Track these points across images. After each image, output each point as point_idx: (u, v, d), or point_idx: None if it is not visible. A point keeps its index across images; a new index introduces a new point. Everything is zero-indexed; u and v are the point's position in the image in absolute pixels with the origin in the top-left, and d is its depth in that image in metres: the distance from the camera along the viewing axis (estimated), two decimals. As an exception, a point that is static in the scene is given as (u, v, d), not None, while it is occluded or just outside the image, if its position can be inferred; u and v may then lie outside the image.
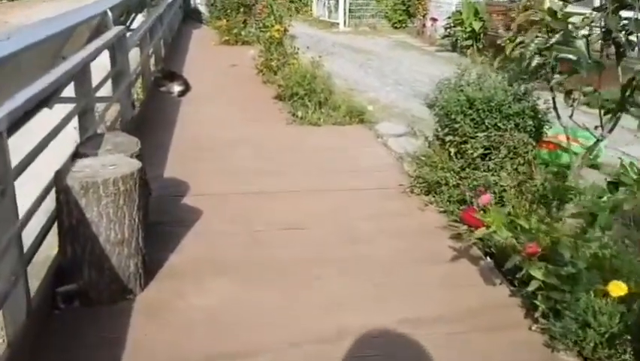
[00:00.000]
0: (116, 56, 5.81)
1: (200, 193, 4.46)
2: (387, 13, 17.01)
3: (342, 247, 3.73)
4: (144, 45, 7.55)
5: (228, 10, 12.63)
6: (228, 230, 3.92)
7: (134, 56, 7.73)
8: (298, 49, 8.93)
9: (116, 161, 3.17)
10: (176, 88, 7.83)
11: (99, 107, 5.03)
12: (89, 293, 3.00)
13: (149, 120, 6.40)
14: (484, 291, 3.28)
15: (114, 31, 5.50)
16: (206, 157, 5.31)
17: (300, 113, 6.61)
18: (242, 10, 12.28)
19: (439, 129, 4.48)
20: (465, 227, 3.80)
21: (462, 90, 4.24)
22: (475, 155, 4.04)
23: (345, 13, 17.11)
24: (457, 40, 12.39)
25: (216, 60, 10.34)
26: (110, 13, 5.57)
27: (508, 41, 3.89)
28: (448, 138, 4.28)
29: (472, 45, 11.76)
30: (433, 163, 4.34)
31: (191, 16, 15.57)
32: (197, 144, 5.63)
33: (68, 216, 2.93)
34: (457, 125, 4.17)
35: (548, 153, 4.91)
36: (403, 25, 16.74)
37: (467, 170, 4.10)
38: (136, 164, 3.14)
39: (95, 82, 5.00)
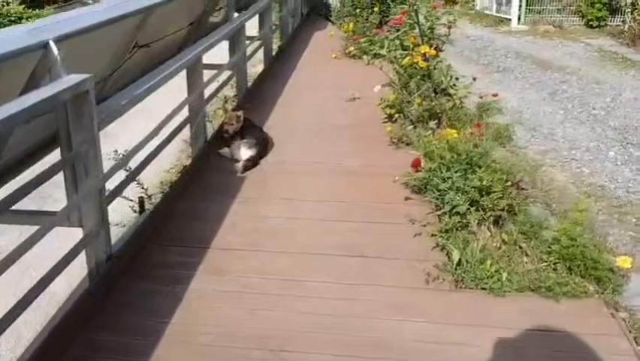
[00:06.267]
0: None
1: None
2: (579, 6, 12.57)
3: None
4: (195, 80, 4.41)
5: (358, 9, 9.05)
6: None
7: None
8: (457, 79, 5.36)
9: None
10: (244, 153, 4.58)
11: None
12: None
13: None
14: None
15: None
16: None
17: (459, 257, 3.05)
18: (376, 9, 8.69)
19: None
20: None
21: None
22: None
23: (520, 6, 12.92)
24: None
25: (330, 84, 6.98)
26: None
27: None
28: None
29: None
30: None
31: (318, 11, 12.21)
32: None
33: None
34: None
35: None
36: (602, 23, 12.25)
37: None
38: None
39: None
